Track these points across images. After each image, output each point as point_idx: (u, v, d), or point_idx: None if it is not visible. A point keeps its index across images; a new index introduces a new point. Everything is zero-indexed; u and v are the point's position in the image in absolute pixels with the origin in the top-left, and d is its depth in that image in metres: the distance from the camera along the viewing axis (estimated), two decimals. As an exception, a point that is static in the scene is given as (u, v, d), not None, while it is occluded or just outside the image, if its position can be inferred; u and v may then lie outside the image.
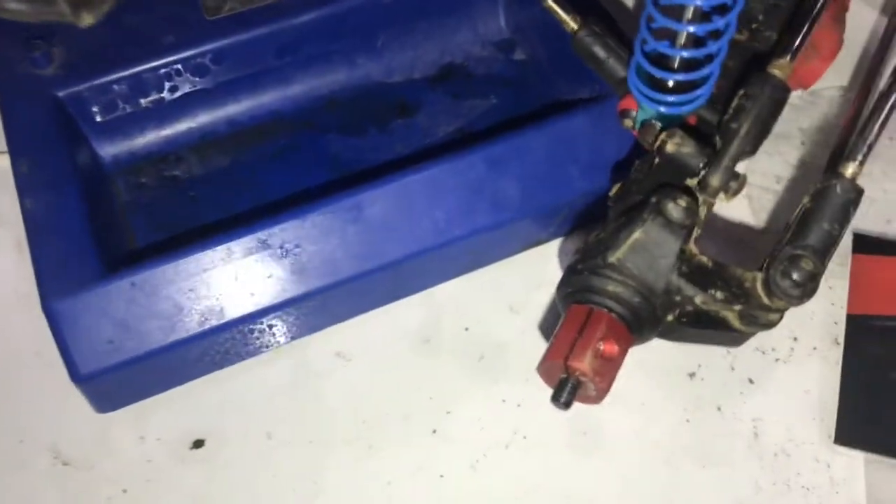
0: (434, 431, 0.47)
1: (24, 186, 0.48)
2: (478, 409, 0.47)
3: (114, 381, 0.45)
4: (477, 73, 0.59)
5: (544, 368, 0.39)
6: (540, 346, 0.49)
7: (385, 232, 0.47)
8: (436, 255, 0.48)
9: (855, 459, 0.45)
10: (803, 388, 0.47)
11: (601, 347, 0.37)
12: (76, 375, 0.44)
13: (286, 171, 0.54)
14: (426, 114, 0.57)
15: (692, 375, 0.48)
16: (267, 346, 0.49)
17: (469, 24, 0.60)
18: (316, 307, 0.48)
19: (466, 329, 0.50)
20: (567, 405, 0.38)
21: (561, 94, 0.56)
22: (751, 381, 0.47)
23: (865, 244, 0.50)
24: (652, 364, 0.48)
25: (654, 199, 0.38)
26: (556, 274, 0.51)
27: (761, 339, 0.48)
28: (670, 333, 0.41)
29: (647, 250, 0.38)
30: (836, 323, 0.49)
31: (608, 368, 0.38)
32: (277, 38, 0.55)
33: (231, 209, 0.53)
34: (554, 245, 0.52)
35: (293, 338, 0.49)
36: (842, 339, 0.48)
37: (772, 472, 0.45)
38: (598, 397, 0.39)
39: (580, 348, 0.37)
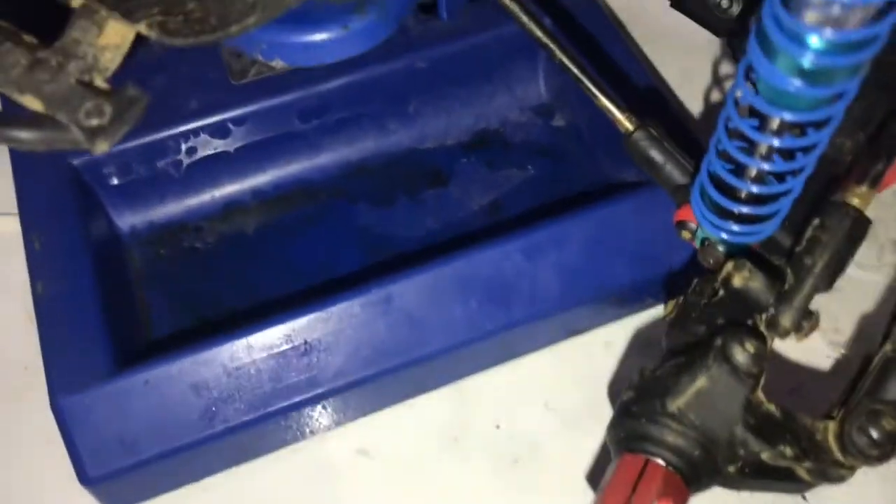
0: (464, 542, 0.44)
1: (37, 267, 0.45)
2: (510, 519, 0.44)
3: (124, 482, 0.42)
4: (513, 141, 0.56)
5: None
6: (577, 449, 0.46)
7: (415, 325, 0.44)
8: (468, 349, 0.45)
9: None
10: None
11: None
12: (84, 478, 0.41)
13: (313, 244, 0.52)
14: (459, 183, 0.54)
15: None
16: (284, 444, 0.46)
17: (506, 89, 0.57)
18: (338, 403, 0.45)
19: (498, 427, 0.47)
20: None
21: (601, 165, 0.53)
22: None
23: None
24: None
25: (718, 342, 0.35)
26: (595, 367, 0.48)
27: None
28: (730, 483, 0.37)
29: (712, 400, 0.34)
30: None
31: None
32: (305, 103, 0.52)
33: (254, 285, 0.50)
34: (594, 334, 0.49)
35: (312, 433, 0.47)
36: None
37: None
38: None
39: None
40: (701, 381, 0.34)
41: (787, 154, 0.33)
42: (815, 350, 0.48)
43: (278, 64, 0.36)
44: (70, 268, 0.45)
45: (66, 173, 0.49)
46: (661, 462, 0.35)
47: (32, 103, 0.27)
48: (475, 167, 0.55)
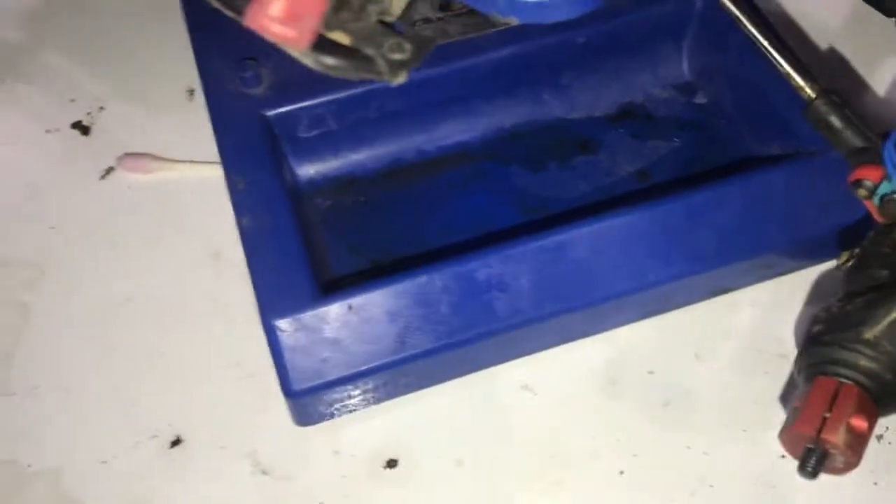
0: (622, 473, 0.48)
1: (241, 204, 0.50)
2: (663, 453, 0.48)
3: (322, 397, 0.47)
4: (657, 115, 0.60)
5: (790, 437, 0.40)
6: (726, 394, 0.50)
7: (585, 272, 0.48)
8: (630, 300, 0.49)
9: None
10: None
11: (852, 422, 0.38)
12: (289, 391, 0.46)
13: (470, 202, 0.56)
14: (607, 152, 0.58)
15: (880, 438, 0.48)
16: (459, 373, 0.50)
17: (650, 66, 0.61)
18: (509, 339, 0.49)
19: (651, 373, 0.51)
20: (814, 474, 0.39)
21: (745, 140, 0.57)
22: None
23: None
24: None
25: None
26: (745, 324, 0.52)
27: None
28: None
29: None
30: None
31: (859, 443, 0.38)
32: (474, 70, 0.56)
33: (417, 236, 0.54)
34: (743, 294, 0.53)
35: (483, 368, 0.51)
36: None
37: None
38: (846, 469, 0.40)
39: (833, 422, 0.38)
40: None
41: None
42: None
43: (512, 21, 0.40)
44: (271, 205, 0.50)
45: (260, 124, 0.53)
46: (853, 385, 0.38)
47: (342, 38, 0.32)
48: (622, 138, 0.59)
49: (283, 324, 0.46)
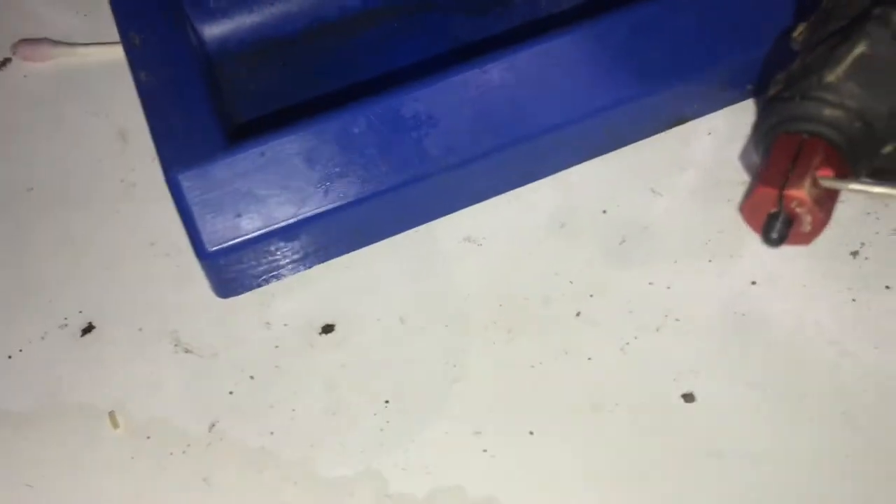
0: (578, 314, 0.44)
1: (137, 59, 0.45)
2: (623, 292, 0.44)
3: (240, 260, 0.42)
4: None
5: (752, 203, 0.36)
6: (683, 225, 0.45)
7: (520, 105, 0.44)
8: (574, 130, 0.45)
9: None
10: (980, 266, 0.43)
11: (818, 174, 0.34)
12: (202, 252, 0.41)
13: (405, 58, 0.51)
14: (548, -5, 0.53)
15: (855, 254, 0.44)
16: (394, 230, 0.46)
17: None
18: (448, 184, 0.44)
19: (604, 212, 0.47)
20: (780, 240, 0.35)
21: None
22: (922, 260, 0.44)
23: None
24: (811, 244, 0.44)
25: (877, 11, 0.34)
26: (702, 154, 0.48)
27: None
28: (882, 169, 0.37)
29: (872, 67, 0.34)
30: None
31: (826, 198, 0.34)
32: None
33: (347, 97, 0.49)
34: (698, 123, 0.48)
35: (419, 223, 0.46)
36: None
37: (953, 351, 0.41)
38: (813, 233, 0.35)
39: (797, 176, 0.34)
40: (860, 47, 0.34)
41: None
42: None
43: None
44: (169, 56, 0.45)
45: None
46: (820, 138, 0.34)
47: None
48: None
49: (187, 177, 0.41)
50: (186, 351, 0.44)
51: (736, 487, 0.39)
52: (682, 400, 0.41)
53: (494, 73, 0.44)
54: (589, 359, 0.42)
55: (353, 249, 0.45)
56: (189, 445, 0.42)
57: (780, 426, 0.40)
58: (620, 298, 0.44)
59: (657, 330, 0.43)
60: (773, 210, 0.35)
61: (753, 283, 0.44)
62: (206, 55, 0.51)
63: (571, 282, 0.45)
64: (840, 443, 0.39)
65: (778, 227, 0.34)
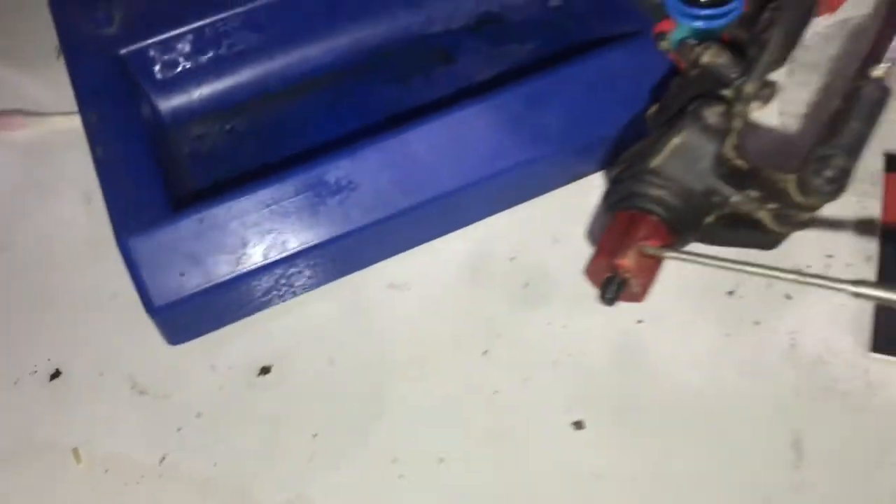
0: (485, 353, 0.49)
1: (95, 135, 0.51)
2: (525, 331, 0.50)
3: (185, 313, 0.48)
4: (514, 20, 0.61)
5: (592, 269, 0.42)
6: (579, 270, 0.51)
7: (432, 167, 0.50)
8: (481, 189, 0.51)
9: (891, 365, 0.47)
10: (839, 303, 0.49)
11: (642, 245, 0.40)
12: (150, 307, 0.47)
13: (336, 121, 0.57)
14: (467, 61, 0.60)
15: (731, 293, 0.50)
16: (326, 280, 0.52)
17: (504, -27, 0.62)
18: (370, 240, 0.50)
19: (512, 259, 0.52)
20: (612, 301, 0.41)
21: (597, 35, 0.58)
22: (788, 297, 0.49)
23: (897, 163, 0.51)
24: (691, 284, 0.50)
25: (691, 108, 0.40)
26: (594, 205, 0.53)
27: (797, 257, 0.50)
28: (709, 237, 0.43)
29: (687, 154, 0.40)
30: (868, 241, 0.51)
31: (650, 266, 0.40)
32: (323, -6, 0.57)
33: (284, 158, 0.55)
34: (595, 178, 0.54)
35: (350, 271, 0.52)
36: (875, 256, 0.50)
37: (809, 379, 0.47)
38: (641, 294, 0.41)
39: (624, 247, 0.40)
40: (676, 139, 0.40)
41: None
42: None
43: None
44: (124, 132, 0.51)
45: (113, 62, 0.54)
46: (647, 214, 0.40)
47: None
48: (480, 46, 0.60)
49: (136, 242, 0.47)
50: (141, 393, 0.50)
51: (615, 504, 0.44)
52: (572, 427, 0.47)
53: (409, 141, 0.50)
54: (495, 392, 0.48)
55: (287, 299, 0.51)
56: (143, 476, 0.47)
57: (656, 448, 0.46)
58: (522, 337, 0.50)
59: (554, 365, 0.49)
60: (609, 275, 0.41)
61: (640, 321, 0.49)
62: (161, 125, 0.57)
63: (481, 323, 0.50)
64: (708, 461, 0.45)
65: (613, 289, 0.40)
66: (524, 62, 0.59)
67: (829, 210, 0.51)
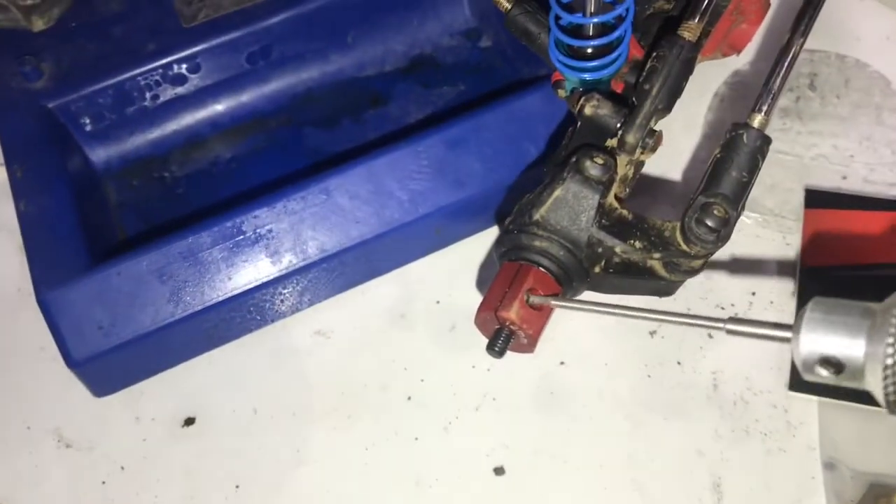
0: (409, 398, 0.49)
1: (19, 190, 0.51)
2: (450, 375, 0.50)
3: (106, 366, 0.48)
4: (445, 62, 0.62)
5: (480, 321, 0.42)
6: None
7: (352, 213, 0.50)
8: (403, 234, 0.51)
9: (809, 403, 0.47)
10: (759, 342, 0.49)
11: (526, 298, 0.40)
12: (70, 361, 0.47)
13: (267, 166, 0.58)
14: (397, 104, 0.60)
15: (653, 334, 0.50)
16: (250, 328, 0.52)
17: (435, 16, 0.63)
18: (292, 288, 0.50)
19: (438, 302, 0.52)
20: (500, 353, 0.41)
21: (524, 76, 0.59)
22: (710, 336, 0.49)
23: (818, 199, 0.51)
24: (614, 326, 0.50)
25: (573, 159, 0.40)
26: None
27: (720, 295, 0.50)
28: (601, 285, 0.43)
29: (568, 206, 0.40)
30: (791, 277, 0.51)
31: (536, 317, 0.40)
32: (251, 40, 0.58)
33: (215, 205, 0.56)
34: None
35: (274, 319, 0.52)
36: (796, 292, 0.50)
37: (731, 419, 0.47)
38: (530, 345, 0.41)
39: (508, 300, 0.40)
40: (558, 191, 0.40)
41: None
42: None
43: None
44: (48, 186, 0.51)
45: (41, 114, 0.55)
46: (532, 265, 0.40)
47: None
48: (411, 88, 0.61)
49: (54, 296, 0.47)
50: (67, 446, 0.50)
51: (532, 551, 0.44)
52: (493, 473, 0.47)
53: (330, 188, 0.50)
54: (416, 439, 0.48)
55: (211, 349, 0.51)
56: (66, 532, 0.47)
57: (577, 494, 0.46)
58: (447, 381, 0.50)
59: (476, 409, 0.49)
60: (497, 327, 0.41)
61: (562, 363, 0.49)
62: (92, 175, 0.57)
63: (406, 368, 0.50)
64: (627, 507, 0.45)
65: (500, 342, 0.40)
66: (454, 104, 0.59)
67: (752, 247, 0.51)
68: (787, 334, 0.33)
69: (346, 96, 0.60)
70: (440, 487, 0.46)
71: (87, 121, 0.57)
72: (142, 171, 0.58)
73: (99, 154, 0.58)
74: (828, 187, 0.52)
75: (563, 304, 0.39)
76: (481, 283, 0.53)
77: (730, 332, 0.34)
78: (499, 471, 0.47)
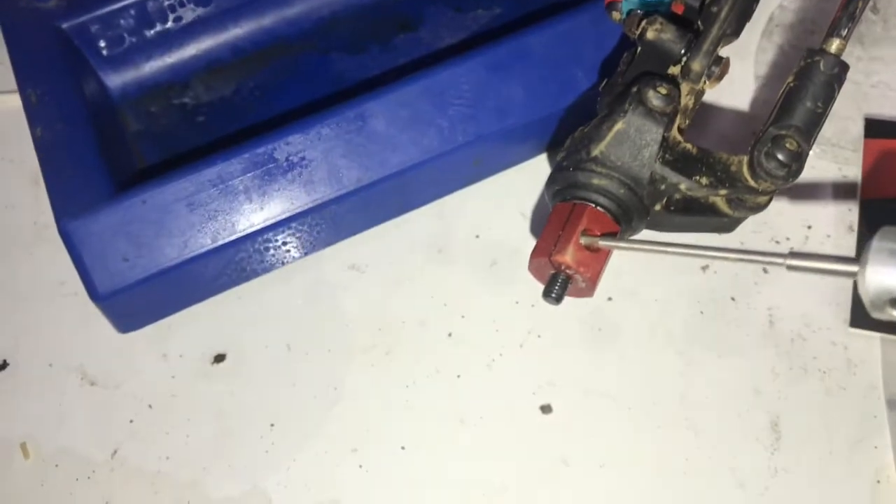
0: (450, 335, 0.47)
1: (34, 116, 0.48)
2: (492, 311, 0.48)
3: (133, 300, 0.46)
4: (479, -16, 0.58)
5: (533, 267, 0.39)
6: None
7: (389, 141, 0.47)
8: (442, 164, 0.48)
9: (871, 340, 0.45)
10: (818, 277, 0.46)
11: (582, 240, 0.37)
12: (95, 295, 0.45)
13: (291, 93, 0.55)
14: (428, 28, 0.57)
15: (705, 269, 0.48)
16: (282, 262, 0.49)
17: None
18: (326, 220, 0.48)
19: (477, 236, 0.50)
20: (558, 300, 0.38)
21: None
22: (765, 271, 0.47)
23: (878, 128, 0.49)
24: (663, 261, 0.48)
25: (634, 89, 0.37)
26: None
27: (775, 228, 0.48)
28: (660, 223, 0.40)
29: (630, 140, 0.37)
30: (849, 209, 0.48)
31: (593, 259, 0.37)
32: (275, -42, 0.54)
33: (239, 133, 0.53)
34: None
35: (307, 253, 0.50)
36: (856, 226, 0.47)
37: (788, 357, 0.45)
38: (589, 289, 0.39)
39: (563, 243, 0.37)
40: (619, 125, 0.37)
41: None
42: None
43: None
44: (65, 111, 0.48)
45: (54, 37, 0.51)
46: (587, 204, 0.37)
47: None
48: (443, 12, 0.57)
49: (76, 226, 0.44)
50: (91, 384, 0.48)
51: (580, 492, 0.42)
52: (540, 412, 0.45)
53: (366, 114, 0.47)
54: (458, 376, 0.46)
55: (241, 283, 0.49)
56: (94, 471, 0.45)
57: (629, 433, 0.44)
58: (489, 317, 0.47)
59: (521, 346, 0.46)
60: (552, 272, 0.38)
61: (609, 298, 0.47)
62: (109, 102, 0.54)
63: (445, 304, 0.48)
64: (682, 446, 0.43)
65: (556, 288, 0.38)
66: (489, 28, 0.56)
67: (809, 177, 0.49)
68: (854, 268, 0.31)
69: (373, 20, 0.57)
70: (486, 426, 0.44)
71: (103, 44, 0.53)
72: (161, 97, 0.55)
73: (115, 80, 0.55)
74: (889, 116, 0.49)
75: (616, 244, 0.37)
76: (523, 217, 0.50)
77: (790, 267, 0.31)
78: (546, 409, 0.45)
